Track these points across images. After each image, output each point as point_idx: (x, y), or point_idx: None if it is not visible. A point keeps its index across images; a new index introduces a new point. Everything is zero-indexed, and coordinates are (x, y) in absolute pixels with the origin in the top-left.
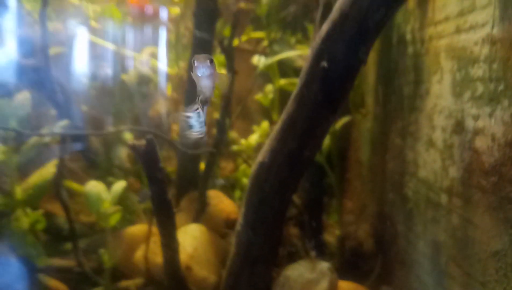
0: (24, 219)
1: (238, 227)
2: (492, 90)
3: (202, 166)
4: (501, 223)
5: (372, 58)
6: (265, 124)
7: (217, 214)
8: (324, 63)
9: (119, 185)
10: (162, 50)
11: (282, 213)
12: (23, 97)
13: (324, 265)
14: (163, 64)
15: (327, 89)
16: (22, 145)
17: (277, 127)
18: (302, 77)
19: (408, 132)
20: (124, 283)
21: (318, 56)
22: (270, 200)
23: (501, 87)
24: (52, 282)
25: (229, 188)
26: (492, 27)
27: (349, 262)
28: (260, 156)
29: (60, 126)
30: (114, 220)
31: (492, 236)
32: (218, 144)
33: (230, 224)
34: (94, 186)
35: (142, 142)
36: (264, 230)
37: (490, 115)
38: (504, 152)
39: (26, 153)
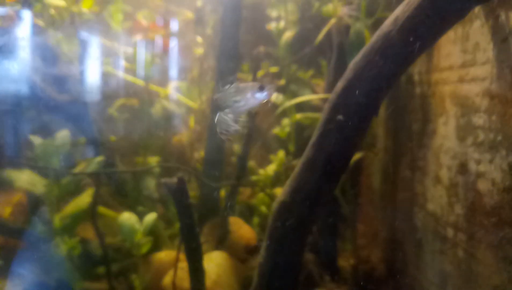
0: (62, 246)
1: (260, 259)
2: (491, 139)
3: (223, 193)
4: (501, 260)
5: None
6: (281, 154)
7: (237, 240)
8: (340, 116)
9: (150, 217)
10: (186, 86)
11: (302, 247)
12: (63, 135)
13: None
14: (187, 98)
15: (343, 138)
16: (62, 179)
17: (297, 169)
18: (320, 127)
19: (417, 166)
20: None
21: (334, 110)
22: (291, 235)
23: (499, 138)
24: None
25: (247, 214)
26: (491, 83)
27: (362, 287)
28: (281, 195)
29: (96, 162)
30: (145, 248)
31: (493, 271)
32: (239, 177)
33: (249, 250)
34: (127, 218)
35: (174, 180)
36: (285, 263)
37: (490, 162)
38: (502, 197)
39: (65, 186)
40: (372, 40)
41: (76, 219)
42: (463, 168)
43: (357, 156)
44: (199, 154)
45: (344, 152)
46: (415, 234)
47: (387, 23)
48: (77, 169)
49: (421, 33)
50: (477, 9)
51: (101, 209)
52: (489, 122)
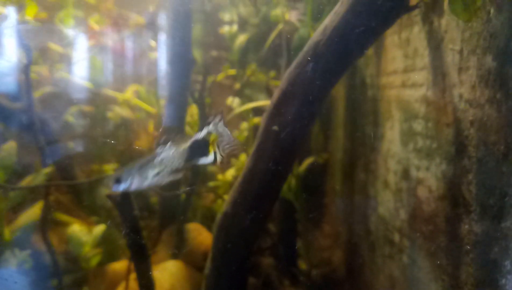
0: (12, 260)
1: (206, 271)
2: (428, 146)
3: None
4: (436, 268)
5: (341, 93)
6: (242, 157)
7: (196, 247)
8: (275, 127)
9: (99, 229)
10: (144, 90)
11: (246, 257)
12: (10, 147)
13: None
14: (145, 103)
15: (280, 147)
16: (9, 192)
17: (238, 179)
18: (258, 137)
19: (370, 169)
20: None
21: (271, 120)
22: (234, 246)
23: (434, 145)
24: None
25: (210, 219)
26: (427, 89)
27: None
28: (224, 206)
29: (43, 173)
30: (94, 261)
31: (431, 278)
32: (193, 184)
33: (208, 255)
34: (76, 230)
35: (118, 192)
36: (230, 274)
37: (427, 169)
38: (437, 205)
39: (13, 199)
40: (304, 49)
41: (27, 231)
42: (406, 173)
43: (309, 160)
44: None
45: (281, 162)
46: (369, 237)
47: (317, 33)
48: (25, 181)
49: (349, 43)
50: (416, 14)
51: (63, 217)
52: (426, 128)
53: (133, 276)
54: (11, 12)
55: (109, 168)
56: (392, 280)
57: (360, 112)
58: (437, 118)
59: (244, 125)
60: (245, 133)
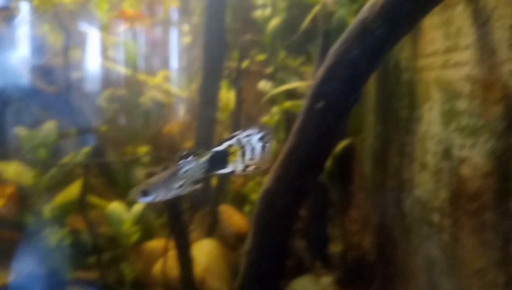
0: (52, 236)
1: (247, 245)
2: (473, 124)
3: (214, 181)
4: (483, 244)
5: (372, 80)
6: (272, 144)
7: (228, 229)
8: (320, 104)
9: (138, 207)
10: (176, 75)
11: (287, 233)
12: (50, 126)
13: (327, 279)
14: (176, 88)
15: (324, 124)
16: (49, 169)
17: (280, 156)
18: (302, 114)
19: (405, 152)
20: None
21: (315, 97)
22: (276, 222)
23: (481, 123)
24: None
25: (239, 203)
26: (473, 68)
27: (352, 273)
28: (266, 183)
29: (83, 152)
30: (134, 238)
31: (476, 256)
32: None
33: (240, 237)
34: (115, 208)
35: (159, 169)
36: (271, 249)
37: (472, 147)
38: (484, 182)
39: (53, 176)
40: (350, 26)
41: (65, 209)
42: (447, 153)
43: (344, 142)
44: (189, 144)
45: (325, 139)
46: (404, 219)
47: (365, 9)
48: (65, 160)
49: (398, 18)
50: None
51: (94, 199)
52: (471, 107)
53: (170, 253)
54: None
55: (143, 150)
56: (430, 260)
57: (394, 96)
58: (484, 96)
59: (275, 109)
60: (276, 117)
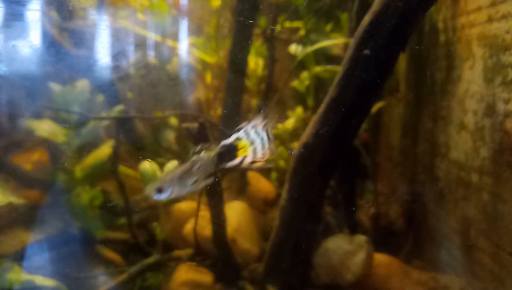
0: (84, 195)
1: (282, 202)
2: None
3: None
4: None
5: None
6: (299, 110)
7: (256, 193)
8: (367, 51)
9: (172, 164)
10: (203, 41)
11: (324, 189)
12: (83, 84)
13: (361, 238)
14: (203, 54)
15: (369, 74)
16: (82, 128)
17: (320, 110)
18: (345, 64)
19: (440, 116)
20: (176, 253)
21: (360, 45)
22: (313, 177)
23: None
24: (109, 253)
25: (265, 172)
26: None
27: (380, 240)
28: (304, 137)
29: (116, 110)
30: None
31: None
32: None
33: (268, 202)
34: (148, 166)
35: (195, 124)
36: (307, 205)
37: None
38: None
39: (85, 135)
40: None
41: (96, 169)
42: (490, 110)
43: (379, 104)
44: (216, 112)
45: (369, 90)
46: (436, 184)
47: None
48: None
49: None
50: None
51: (120, 168)
52: None
53: (200, 214)
54: None
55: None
56: (467, 221)
57: (429, 60)
58: None
59: (305, 74)
60: (306, 82)
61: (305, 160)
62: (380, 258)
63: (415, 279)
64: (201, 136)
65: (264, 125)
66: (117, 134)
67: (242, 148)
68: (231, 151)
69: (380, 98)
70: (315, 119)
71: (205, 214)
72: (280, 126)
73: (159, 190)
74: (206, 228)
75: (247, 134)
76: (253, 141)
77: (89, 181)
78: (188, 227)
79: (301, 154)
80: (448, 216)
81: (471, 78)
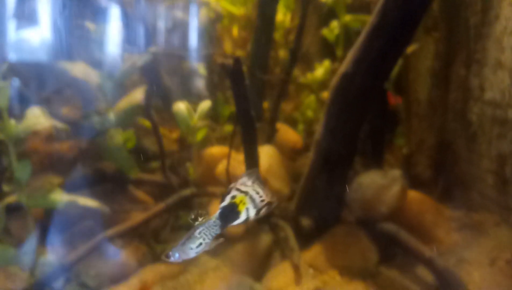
0: (118, 136)
1: (317, 136)
2: None
3: (266, 104)
4: None
5: None
6: (327, 62)
7: (284, 142)
8: None
9: (205, 104)
10: None
11: (361, 121)
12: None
13: (396, 172)
14: (230, 5)
15: (409, 3)
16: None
17: (359, 39)
18: None
19: (474, 59)
20: (210, 189)
21: None
22: (351, 108)
23: None
24: (140, 194)
25: (291, 124)
26: None
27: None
28: (343, 67)
29: (149, 52)
30: (201, 135)
31: None
32: (289, 71)
33: (295, 152)
34: (182, 105)
35: (230, 60)
36: (343, 137)
37: None
38: None
39: (118, 79)
40: None
41: (129, 113)
42: None
43: (413, 47)
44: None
45: (409, 20)
46: (468, 129)
47: None
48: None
49: None
50: None
51: (142, 121)
52: None
53: (233, 155)
54: None
55: (199, 66)
56: (502, 158)
57: (462, 5)
58: None
59: (335, 23)
60: (335, 31)
61: (343, 90)
62: (413, 194)
63: (448, 216)
64: (237, 73)
65: (253, 181)
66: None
67: (241, 201)
68: (232, 210)
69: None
70: (354, 48)
71: (235, 156)
72: (309, 75)
73: (168, 257)
74: (238, 168)
75: (239, 190)
76: (247, 192)
77: (122, 123)
78: (220, 168)
79: (339, 85)
80: (480, 158)
81: (510, 14)
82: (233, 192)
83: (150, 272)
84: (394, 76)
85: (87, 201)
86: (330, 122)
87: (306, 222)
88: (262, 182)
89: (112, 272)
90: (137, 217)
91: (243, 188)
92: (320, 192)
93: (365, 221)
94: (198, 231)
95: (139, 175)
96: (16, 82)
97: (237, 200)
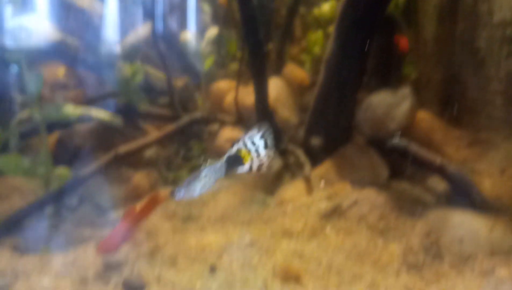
0: (126, 68)
1: (327, 55)
2: None
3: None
4: None
5: None
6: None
7: (291, 80)
8: None
9: (212, 31)
10: None
11: (372, 35)
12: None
13: (405, 90)
14: None
15: None
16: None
17: None
18: None
19: None
20: (220, 116)
21: None
22: (361, 23)
23: None
24: (149, 127)
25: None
26: None
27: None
28: None
29: None
30: (208, 63)
31: None
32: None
33: (302, 88)
34: (189, 34)
35: None
36: (354, 53)
37: None
38: None
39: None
40: None
41: (136, 48)
42: None
43: None
44: None
45: None
46: (476, 56)
47: None
48: None
49: None
50: None
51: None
52: None
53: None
54: None
55: None
56: (511, 77)
57: None
58: None
59: None
60: None
61: (353, 3)
62: (423, 114)
63: (456, 135)
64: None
65: (262, 135)
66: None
67: (244, 157)
68: (238, 158)
69: None
70: None
71: (243, 89)
72: (316, 10)
73: (172, 194)
74: (246, 99)
75: (245, 144)
76: (249, 150)
77: (129, 57)
78: (228, 98)
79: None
80: (488, 81)
81: None
82: (240, 144)
83: (165, 191)
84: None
85: (99, 113)
86: (340, 37)
87: (316, 141)
88: (270, 140)
89: (125, 194)
90: (148, 136)
91: (248, 144)
92: (330, 112)
93: (375, 140)
94: (204, 172)
95: (148, 108)
96: None
97: (242, 153)
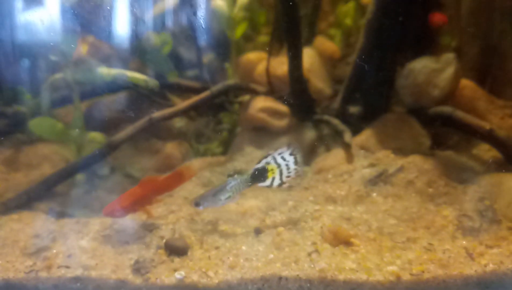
0: (155, 38)
1: (368, 15)
2: None
3: None
4: None
5: None
6: None
7: (322, 52)
8: None
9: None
10: None
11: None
12: None
13: (449, 55)
14: None
15: None
16: None
17: None
18: None
19: None
20: (253, 85)
21: None
22: None
23: None
24: (174, 98)
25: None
26: None
27: None
28: None
29: None
30: (240, 30)
31: None
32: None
33: (333, 60)
34: (220, 3)
35: None
36: (396, 15)
37: None
38: None
39: None
40: None
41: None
42: None
43: None
44: None
45: None
46: None
47: None
48: None
49: None
50: None
51: None
52: None
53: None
54: None
55: None
56: None
57: None
58: None
59: None
60: None
61: None
62: (465, 82)
63: (500, 104)
64: None
65: (291, 153)
66: None
67: (271, 170)
68: (262, 173)
69: None
70: None
71: (273, 59)
72: None
73: (196, 204)
74: (278, 69)
75: (275, 159)
76: (279, 165)
77: (156, 27)
78: (260, 68)
79: None
80: None
81: None
82: (269, 159)
83: (198, 161)
84: None
85: (135, 74)
86: (379, 5)
87: (354, 109)
88: (299, 157)
89: (157, 164)
90: (182, 103)
91: (278, 159)
92: (369, 78)
93: (416, 109)
94: (230, 185)
95: (177, 80)
96: None
97: (269, 167)
